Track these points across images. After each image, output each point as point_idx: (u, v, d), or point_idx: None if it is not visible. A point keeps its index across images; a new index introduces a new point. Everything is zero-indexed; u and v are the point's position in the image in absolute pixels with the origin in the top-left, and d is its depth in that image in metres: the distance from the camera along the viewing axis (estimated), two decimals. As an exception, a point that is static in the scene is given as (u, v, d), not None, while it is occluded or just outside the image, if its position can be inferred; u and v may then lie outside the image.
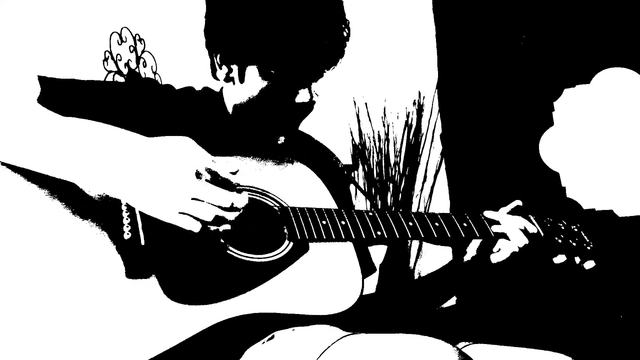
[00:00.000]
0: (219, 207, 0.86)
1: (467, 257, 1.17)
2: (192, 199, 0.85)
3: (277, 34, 1.01)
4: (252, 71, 1.06)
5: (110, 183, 0.85)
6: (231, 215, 0.88)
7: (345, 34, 1.06)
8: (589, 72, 2.63)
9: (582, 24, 2.65)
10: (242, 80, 1.08)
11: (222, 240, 0.93)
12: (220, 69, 1.10)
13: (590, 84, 2.63)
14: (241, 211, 0.89)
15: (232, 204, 0.87)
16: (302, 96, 1.06)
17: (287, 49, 1.01)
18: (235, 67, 1.08)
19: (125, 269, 0.88)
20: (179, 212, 0.85)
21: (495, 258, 1.13)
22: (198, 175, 0.87)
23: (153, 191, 0.85)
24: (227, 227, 0.88)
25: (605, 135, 2.59)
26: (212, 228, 0.88)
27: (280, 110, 1.08)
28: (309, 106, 1.09)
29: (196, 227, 0.86)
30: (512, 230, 1.13)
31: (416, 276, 2.58)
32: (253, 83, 1.07)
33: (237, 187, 0.91)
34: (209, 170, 0.89)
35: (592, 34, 2.62)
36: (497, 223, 1.14)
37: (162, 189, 0.85)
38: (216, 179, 0.89)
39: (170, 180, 0.85)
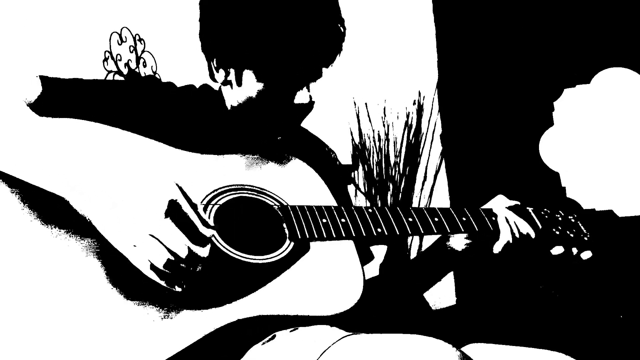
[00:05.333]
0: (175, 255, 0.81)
1: (458, 246, 1.16)
2: (150, 235, 0.81)
3: (270, 37, 1.00)
4: (249, 74, 1.05)
5: (80, 198, 0.83)
6: (190, 264, 0.81)
7: (341, 32, 1.05)
8: (589, 72, 2.63)
9: (582, 24, 2.65)
10: (239, 83, 1.07)
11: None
12: (218, 72, 1.09)
13: (590, 84, 2.64)
14: (199, 268, 0.82)
15: (192, 253, 0.81)
16: (301, 97, 1.05)
17: (282, 52, 1.01)
18: (232, 71, 1.07)
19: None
20: (133, 245, 0.81)
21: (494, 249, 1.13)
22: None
23: (115, 216, 0.82)
24: (178, 289, 0.83)
25: (605, 135, 2.60)
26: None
27: (278, 112, 1.08)
28: (308, 107, 1.08)
29: (145, 267, 0.81)
30: (502, 222, 1.13)
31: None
32: (250, 86, 1.06)
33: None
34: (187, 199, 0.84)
35: (592, 34, 2.62)
36: (496, 216, 1.14)
37: (123, 215, 0.81)
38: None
39: (135, 206, 0.82)
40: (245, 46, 1.03)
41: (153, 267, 0.81)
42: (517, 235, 1.12)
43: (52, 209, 0.87)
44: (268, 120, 1.09)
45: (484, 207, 1.18)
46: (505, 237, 1.12)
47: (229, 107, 1.13)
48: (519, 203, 1.20)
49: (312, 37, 1.01)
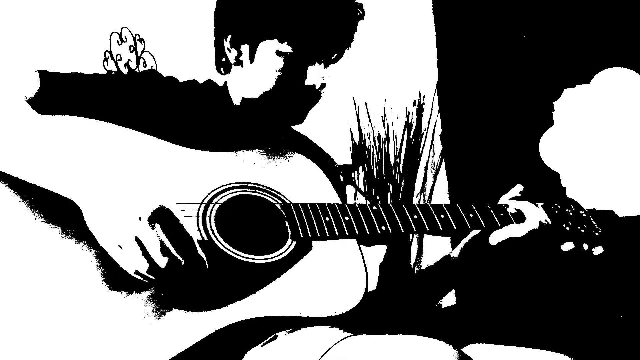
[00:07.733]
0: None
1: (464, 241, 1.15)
2: (135, 237, 0.82)
3: (294, 3, 1.04)
4: (264, 49, 1.07)
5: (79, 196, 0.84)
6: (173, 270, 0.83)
7: (359, 13, 1.12)
8: (589, 72, 2.63)
9: (582, 24, 2.65)
10: (252, 60, 1.09)
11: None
12: (230, 52, 1.11)
13: (590, 84, 2.63)
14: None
15: (174, 260, 0.83)
16: (312, 77, 1.07)
17: (305, 18, 1.04)
18: (246, 48, 1.09)
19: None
20: (119, 246, 0.82)
21: (501, 235, 1.10)
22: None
23: (106, 215, 0.82)
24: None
25: (605, 135, 2.59)
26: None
27: (289, 93, 1.09)
28: (316, 94, 1.10)
29: (130, 269, 0.82)
30: (529, 211, 1.11)
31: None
32: (264, 62, 1.08)
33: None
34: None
35: (592, 34, 2.62)
36: (504, 211, 1.12)
37: (114, 215, 0.82)
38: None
39: (126, 208, 0.82)
40: (269, 11, 1.05)
41: (137, 272, 0.82)
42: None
43: (56, 210, 0.87)
44: (278, 103, 1.10)
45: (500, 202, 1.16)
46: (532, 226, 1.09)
47: (236, 100, 1.14)
48: (521, 188, 1.18)
49: (333, 9, 1.07)
